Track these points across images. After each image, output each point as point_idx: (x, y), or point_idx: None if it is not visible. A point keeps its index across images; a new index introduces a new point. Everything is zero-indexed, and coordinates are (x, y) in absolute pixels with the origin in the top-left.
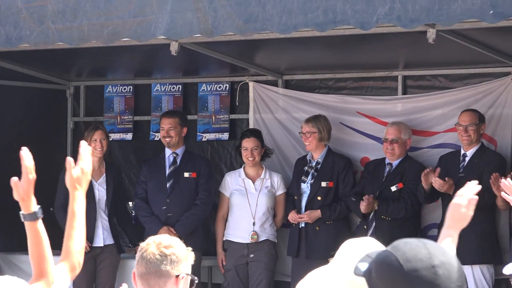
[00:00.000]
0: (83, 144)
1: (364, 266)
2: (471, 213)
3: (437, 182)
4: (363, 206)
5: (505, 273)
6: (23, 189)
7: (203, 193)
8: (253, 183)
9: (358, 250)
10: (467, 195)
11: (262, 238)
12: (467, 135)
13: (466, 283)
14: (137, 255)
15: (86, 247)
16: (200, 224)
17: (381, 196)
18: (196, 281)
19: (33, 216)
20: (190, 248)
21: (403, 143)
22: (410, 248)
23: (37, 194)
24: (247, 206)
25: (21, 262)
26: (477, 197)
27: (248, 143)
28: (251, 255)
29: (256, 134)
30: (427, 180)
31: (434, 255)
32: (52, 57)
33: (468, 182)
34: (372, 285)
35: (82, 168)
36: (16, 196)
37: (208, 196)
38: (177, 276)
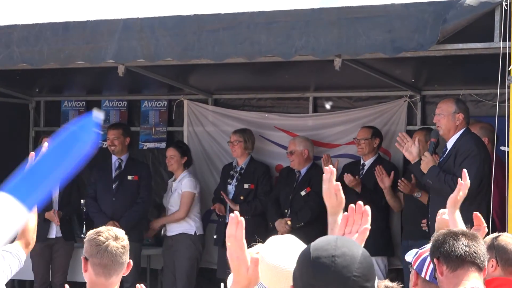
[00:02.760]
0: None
1: None
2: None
3: (347, 178)
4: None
5: (407, 260)
6: None
7: (143, 193)
8: (172, 186)
9: (282, 246)
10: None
11: (175, 232)
12: (360, 147)
13: (372, 277)
14: (96, 248)
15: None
16: (142, 219)
17: (294, 200)
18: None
19: None
20: None
21: (300, 153)
22: (322, 241)
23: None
24: (167, 205)
25: None
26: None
27: (168, 152)
28: (174, 246)
29: (176, 144)
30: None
31: (338, 247)
32: (17, 76)
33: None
34: (294, 273)
35: None
36: None
37: (147, 196)
38: (128, 263)
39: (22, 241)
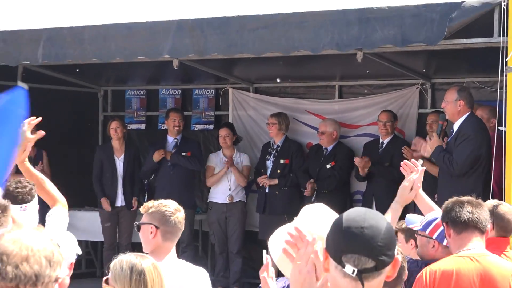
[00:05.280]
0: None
1: None
2: (413, 194)
3: (357, 160)
4: (308, 193)
5: (413, 227)
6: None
7: (196, 160)
8: (223, 160)
9: (316, 212)
10: (412, 181)
11: (236, 200)
12: (385, 128)
13: (393, 246)
14: (168, 218)
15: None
16: (193, 186)
17: (320, 172)
18: None
19: None
20: None
21: (330, 134)
22: (354, 211)
23: (78, 162)
24: (225, 176)
25: (75, 218)
26: (417, 182)
27: (222, 132)
28: (229, 212)
29: (228, 125)
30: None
31: (366, 220)
32: (88, 69)
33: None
34: (327, 237)
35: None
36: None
37: (199, 161)
38: None
39: (59, 203)
